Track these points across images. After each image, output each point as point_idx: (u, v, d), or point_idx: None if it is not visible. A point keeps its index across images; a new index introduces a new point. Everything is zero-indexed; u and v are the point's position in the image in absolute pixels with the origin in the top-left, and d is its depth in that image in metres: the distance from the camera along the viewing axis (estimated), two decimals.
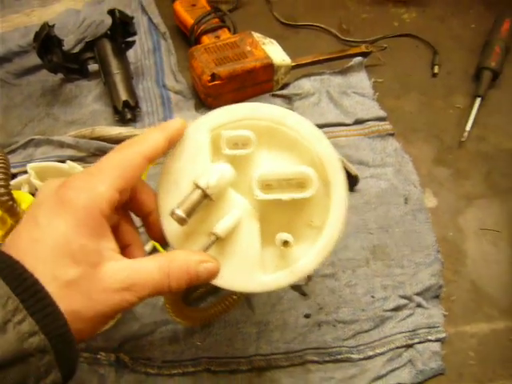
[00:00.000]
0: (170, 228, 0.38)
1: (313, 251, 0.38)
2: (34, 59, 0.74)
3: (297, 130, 0.38)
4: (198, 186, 0.35)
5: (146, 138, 0.35)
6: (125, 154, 0.34)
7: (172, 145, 0.37)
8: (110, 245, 0.33)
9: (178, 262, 0.33)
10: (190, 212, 0.35)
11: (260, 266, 0.38)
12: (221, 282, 0.37)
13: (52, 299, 0.28)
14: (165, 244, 0.39)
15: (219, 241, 0.37)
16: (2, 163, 0.40)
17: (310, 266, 0.38)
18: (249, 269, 0.38)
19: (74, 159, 0.62)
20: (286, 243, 0.37)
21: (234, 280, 0.38)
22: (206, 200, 0.36)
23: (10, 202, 0.42)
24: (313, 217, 0.39)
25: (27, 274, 0.28)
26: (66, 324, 0.29)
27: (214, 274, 0.35)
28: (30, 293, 0.28)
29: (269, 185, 0.37)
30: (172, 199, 0.37)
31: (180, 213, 0.35)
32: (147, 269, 0.32)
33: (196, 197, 0.35)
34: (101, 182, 0.32)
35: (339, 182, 0.38)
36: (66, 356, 0.29)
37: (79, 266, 0.30)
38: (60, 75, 0.74)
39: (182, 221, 0.35)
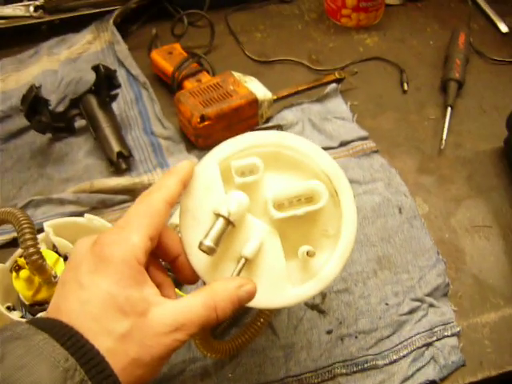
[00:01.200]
0: (199, 261, 0.39)
1: (334, 256, 0.41)
2: (17, 122, 0.75)
3: (296, 150, 0.41)
4: (219, 215, 0.38)
5: (162, 185, 0.38)
6: (148, 203, 0.36)
7: (186, 185, 0.39)
8: (152, 290, 0.34)
9: (221, 293, 0.35)
10: (217, 241, 0.37)
11: (288, 280, 0.40)
12: (255, 302, 0.38)
13: (112, 370, 0.30)
14: (194, 284, 0.41)
15: (247, 263, 0.39)
16: (28, 224, 0.41)
17: (335, 270, 0.40)
18: (278, 285, 0.40)
19: (75, 215, 0.62)
20: (309, 253, 0.39)
21: (267, 298, 0.39)
22: (229, 227, 0.38)
23: (41, 261, 0.43)
24: (326, 227, 0.41)
25: (89, 345, 0.30)
26: None
27: (253, 294, 0.37)
28: (93, 364, 0.29)
29: (281, 204, 0.40)
30: (194, 234, 0.39)
31: (208, 243, 0.37)
32: (193, 307, 0.34)
33: (220, 225, 0.37)
34: (132, 232, 0.34)
35: (346, 190, 0.41)
36: None
37: (129, 318, 0.32)
38: (47, 135, 0.74)
39: (211, 250, 0.37)
